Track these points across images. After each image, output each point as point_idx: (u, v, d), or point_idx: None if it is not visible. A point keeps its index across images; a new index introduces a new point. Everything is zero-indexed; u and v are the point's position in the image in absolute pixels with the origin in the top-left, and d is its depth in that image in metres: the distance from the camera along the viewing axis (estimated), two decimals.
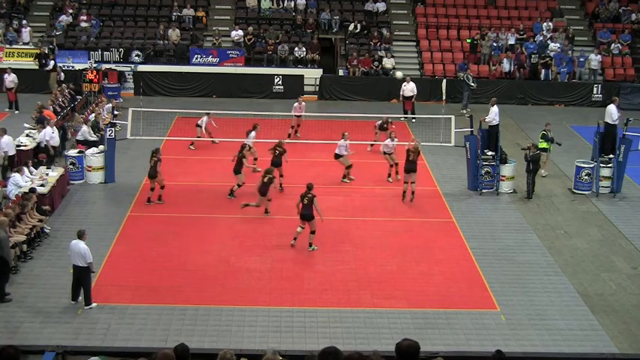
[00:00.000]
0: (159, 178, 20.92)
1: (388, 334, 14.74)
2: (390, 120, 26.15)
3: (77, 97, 29.82)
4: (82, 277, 15.37)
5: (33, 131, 24.00)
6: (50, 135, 23.24)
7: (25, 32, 34.66)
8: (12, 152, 22.21)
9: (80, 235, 15.42)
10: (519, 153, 23.69)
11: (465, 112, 29.84)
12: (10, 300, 15.58)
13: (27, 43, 34.59)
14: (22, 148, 22.88)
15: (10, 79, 30.20)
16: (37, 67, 33.23)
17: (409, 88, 30.76)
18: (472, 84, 32.74)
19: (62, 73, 31.91)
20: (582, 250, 19.17)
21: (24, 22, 35.45)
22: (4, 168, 21.91)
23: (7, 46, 34.38)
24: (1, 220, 16.01)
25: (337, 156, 22.95)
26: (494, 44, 35.49)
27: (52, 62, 33.03)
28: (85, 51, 34.14)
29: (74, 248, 15.30)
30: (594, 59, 34.90)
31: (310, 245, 18.37)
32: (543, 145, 23.74)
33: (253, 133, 23.46)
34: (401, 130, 28.50)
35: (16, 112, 29.77)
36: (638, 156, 23.47)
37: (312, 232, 18.36)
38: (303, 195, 18.27)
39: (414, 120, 29.81)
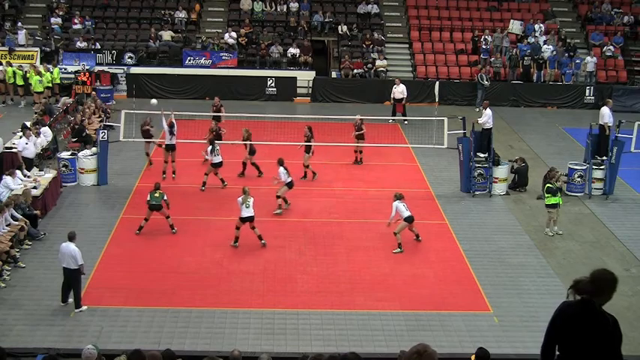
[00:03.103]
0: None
1: (381, 337, 14.76)
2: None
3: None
4: (72, 279, 15.33)
5: (15, 141, 23.21)
6: (23, 146, 22.32)
7: (21, 34, 34.51)
8: None
9: (71, 238, 15.38)
10: (512, 155, 23.74)
11: (479, 110, 30.01)
12: None
13: (22, 45, 34.46)
14: (13, 150, 22.71)
15: None
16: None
17: (399, 91, 30.77)
18: (485, 82, 33.03)
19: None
20: (575, 252, 19.20)
21: (19, 24, 35.30)
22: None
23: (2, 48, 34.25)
24: None
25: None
26: (485, 47, 35.58)
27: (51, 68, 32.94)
28: (78, 53, 34.09)
29: (65, 250, 15.26)
30: (590, 61, 35.03)
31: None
32: (552, 200, 19.98)
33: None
34: (393, 132, 28.60)
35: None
36: (630, 158, 23.55)
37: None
38: None
39: (406, 122, 29.83)
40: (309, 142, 23.33)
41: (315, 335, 14.80)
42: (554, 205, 19.92)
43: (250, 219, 18.30)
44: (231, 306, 15.83)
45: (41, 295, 15.94)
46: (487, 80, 33.33)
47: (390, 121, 29.86)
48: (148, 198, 19.17)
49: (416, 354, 6.55)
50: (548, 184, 20.26)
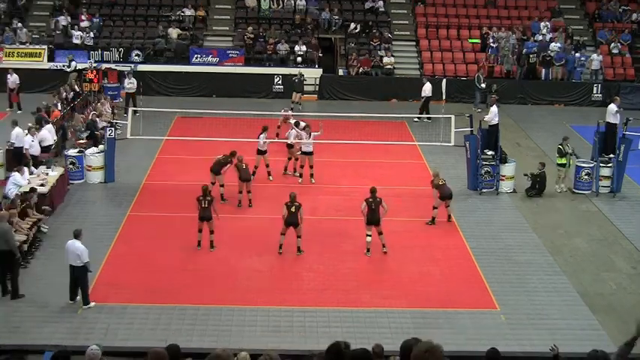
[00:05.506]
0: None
1: (388, 334, 14.72)
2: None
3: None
4: (78, 277, 15.36)
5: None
6: (29, 143, 22.36)
7: (22, 32, 34.56)
8: (20, 144, 22.04)
9: (76, 235, 15.40)
10: (519, 153, 23.65)
11: (476, 110, 29.98)
12: (23, 296, 15.66)
13: (24, 43, 34.52)
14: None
15: (12, 80, 30.10)
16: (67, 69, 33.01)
17: (428, 88, 30.78)
18: (481, 85, 32.76)
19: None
20: (582, 250, 19.16)
21: (20, 24, 35.34)
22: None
23: (7, 45, 34.32)
24: (1, 214, 15.99)
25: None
26: (493, 45, 35.47)
27: (73, 63, 32.97)
28: (84, 50, 34.17)
29: (70, 248, 15.28)
30: (596, 59, 34.88)
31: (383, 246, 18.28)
32: (561, 160, 22.87)
33: (263, 135, 22.70)
34: (400, 130, 28.57)
35: (19, 111, 29.44)
36: (638, 155, 23.47)
37: (381, 234, 18.18)
38: (370, 200, 17.99)
39: (415, 120, 29.82)
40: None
41: (322, 333, 14.79)
42: (563, 165, 22.80)
43: None
44: (237, 303, 15.84)
45: (48, 292, 15.95)
46: (483, 82, 32.97)
47: (416, 119, 29.93)
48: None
49: (426, 352, 6.58)
50: (559, 146, 22.92)
